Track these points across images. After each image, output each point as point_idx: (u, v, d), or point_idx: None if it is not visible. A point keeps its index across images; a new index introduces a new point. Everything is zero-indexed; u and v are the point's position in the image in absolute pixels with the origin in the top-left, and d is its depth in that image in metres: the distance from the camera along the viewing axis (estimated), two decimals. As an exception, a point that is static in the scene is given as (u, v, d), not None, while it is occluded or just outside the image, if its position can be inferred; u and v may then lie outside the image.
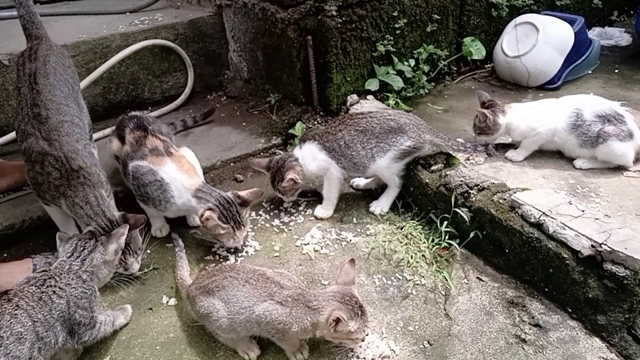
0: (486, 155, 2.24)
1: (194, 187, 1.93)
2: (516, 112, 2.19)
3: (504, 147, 2.24)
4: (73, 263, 1.55)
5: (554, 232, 1.63)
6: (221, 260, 1.99)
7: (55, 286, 1.44)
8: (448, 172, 2.02)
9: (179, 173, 1.97)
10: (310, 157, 2.13)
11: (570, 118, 2.08)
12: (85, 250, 1.58)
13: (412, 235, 2.03)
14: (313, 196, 2.30)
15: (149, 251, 2.05)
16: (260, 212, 2.25)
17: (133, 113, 2.23)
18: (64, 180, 1.78)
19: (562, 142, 2.13)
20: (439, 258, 1.92)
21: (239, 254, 2.01)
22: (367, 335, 1.57)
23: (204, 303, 1.54)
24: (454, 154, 2.16)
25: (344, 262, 1.57)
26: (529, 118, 2.15)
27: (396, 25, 2.72)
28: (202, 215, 1.85)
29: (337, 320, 1.39)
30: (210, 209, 1.86)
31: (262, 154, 2.63)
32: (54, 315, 1.41)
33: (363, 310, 1.47)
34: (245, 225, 1.95)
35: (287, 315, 1.45)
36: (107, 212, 1.79)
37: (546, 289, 1.71)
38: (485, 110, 2.17)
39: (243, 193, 1.94)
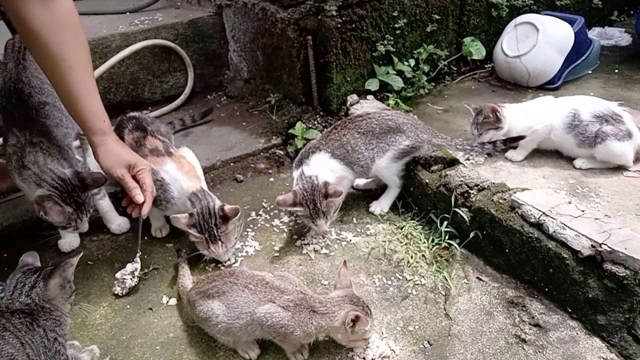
0: (486, 155, 2.24)
1: (191, 189, 1.92)
2: (510, 112, 2.19)
3: (512, 141, 2.16)
4: (21, 300, 1.41)
5: (554, 232, 1.63)
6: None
7: (26, 318, 1.37)
8: (448, 172, 2.02)
9: (180, 174, 1.97)
10: (325, 169, 2.01)
11: (567, 118, 2.09)
12: (26, 286, 1.43)
13: (412, 235, 2.03)
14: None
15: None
16: (260, 212, 2.25)
17: (131, 114, 2.23)
18: (18, 148, 1.74)
19: (559, 141, 2.13)
20: (439, 258, 1.92)
21: (239, 254, 2.01)
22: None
23: (203, 307, 1.54)
24: (455, 154, 2.15)
25: (339, 267, 1.59)
26: (525, 117, 2.16)
27: (396, 25, 2.72)
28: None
29: (355, 320, 1.41)
30: (190, 214, 1.84)
31: (262, 153, 2.63)
32: (37, 341, 1.35)
33: (369, 308, 1.50)
34: (225, 241, 1.87)
35: (289, 319, 1.45)
36: (56, 170, 1.71)
37: (546, 289, 1.71)
38: (492, 105, 2.16)
39: (226, 207, 1.86)
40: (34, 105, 1.82)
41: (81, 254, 1.62)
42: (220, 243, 1.86)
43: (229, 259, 1.97)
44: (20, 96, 1.81)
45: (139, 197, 1.67)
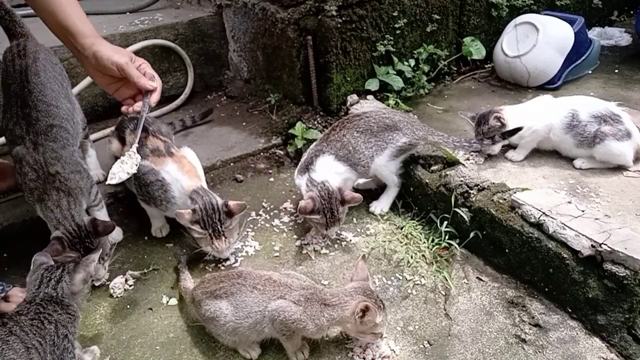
0: (486, 156, 2.24)
1: (191, 188, 1.92)
2: (509, 113, 2.19)
3: (510, 134, 2.15)
4: (47, 291, 1.44)
5: (554, 232, 1.63)
6: (221, 259, 1.99)
7: (43, 313, 1.39)
8: (448, 172, 2.02)
9: (180, 174, 1.97)
10: (331, 172, 2.02)
11: (566, 118, 2.09)
12: (52, 280, 1.46)
13: (412, 235, 2.03)
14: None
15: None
16: (260, 212, 2.25)
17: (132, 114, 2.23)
18: (39, 183, 1.77)
19: (558, 141, 2.13)
20: (439, 258, 1.92)
21: (239, 254, 2.01)
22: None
23: (210, 307, 1.54)
24: (455, 152, 2.15)
25: (357, 260, 1.60)
26: (524, 117, 2.15)
27: (396, 25, 2.72)
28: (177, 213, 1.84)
29: (364, 310, 1.42)
30: (193, 210, 1.84)
31: (262, 153, 2.63)
32: (47, 341, 1.35)
33: (384, 304, 1.50)
34: (228, 237, 1.88)
35: (301, 314, 1.46)
36: (77, 216, 1.75)
37: (546, 289, 1.71)
38: (496, 114, 2.16)
39: (231, 203, 1.87)
40: (42, 129, 1.84)
41: (100, 250, 1.66)
42: (223, 239, 1.87)
43: (228, 258, 1.97)
44: (28, 122, 1.83)
45: (150, 84, 1.62)
